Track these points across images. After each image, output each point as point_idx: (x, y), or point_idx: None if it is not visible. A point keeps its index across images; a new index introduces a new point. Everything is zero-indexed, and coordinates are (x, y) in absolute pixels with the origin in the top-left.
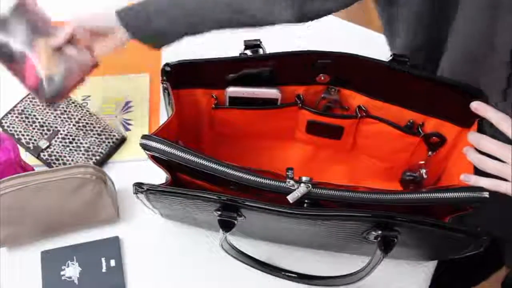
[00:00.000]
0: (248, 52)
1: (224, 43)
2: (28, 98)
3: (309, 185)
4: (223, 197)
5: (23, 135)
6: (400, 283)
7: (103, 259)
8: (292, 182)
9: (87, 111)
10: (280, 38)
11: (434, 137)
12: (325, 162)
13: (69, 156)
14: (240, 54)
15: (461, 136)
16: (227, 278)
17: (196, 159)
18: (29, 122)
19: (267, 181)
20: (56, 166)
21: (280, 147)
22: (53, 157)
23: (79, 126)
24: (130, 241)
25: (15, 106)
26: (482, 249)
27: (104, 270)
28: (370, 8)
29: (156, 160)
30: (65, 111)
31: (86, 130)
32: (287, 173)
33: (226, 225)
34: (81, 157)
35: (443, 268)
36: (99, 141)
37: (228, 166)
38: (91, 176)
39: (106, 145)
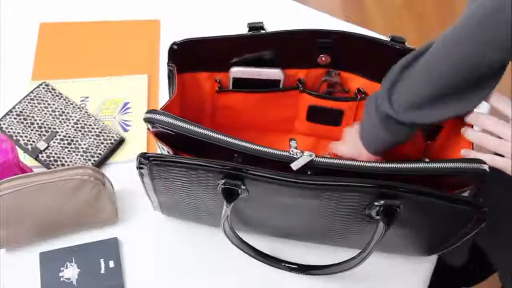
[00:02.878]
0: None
1: (228, 28)
2: (27, 99)
3: (312, 154)
4: (227, 165)
5: (21, 136)
6: (400, 280)
7: (101, 260)
8: (295, 151)
9: (86, 112)
10: None
11: None
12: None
13: (68, 158)
14: None
15: (456, 122)
16: (227, 278)
17: (201, 130)
18: (27, 123)
19: (271, 150)
20: (55, 168)
21: (279, 140)
22: (52, 159)
23: (77, 127)
24: (129, 242)
25: (13, 107)
26: (484, 225)
27: (103, 271)
28: (368, 8)
29: (160, 137)
30: (63, 112)
31: (85, 131)
32: (290, 143)
33: (230, 195)
34: (79, 158)
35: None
36: (97, 142)
37: (232, 137)
38: (90, 177)
39: (105, 146)
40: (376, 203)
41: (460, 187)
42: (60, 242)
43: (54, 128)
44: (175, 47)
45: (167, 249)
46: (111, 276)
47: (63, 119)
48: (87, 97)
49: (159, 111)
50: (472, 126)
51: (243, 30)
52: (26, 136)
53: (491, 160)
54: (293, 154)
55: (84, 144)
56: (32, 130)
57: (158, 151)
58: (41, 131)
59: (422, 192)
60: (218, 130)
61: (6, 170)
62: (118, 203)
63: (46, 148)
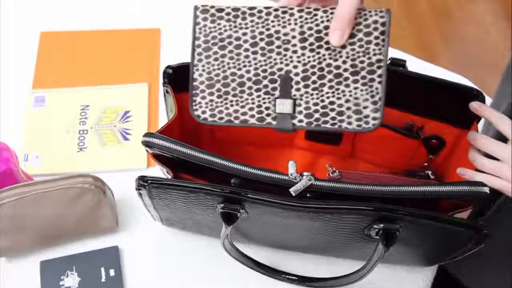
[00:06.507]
0: None
1: None
2: None
3: (311, 177)
4: (226, 189)
5: None
6: None
7: (102, 269)
8: (294, 175)
9: None
10: None
11: (433, 140)
12: (324, 170)
13: None
14: None
15: (460, 138)
16: (228, 287)
17: (198, 154)
18: None
19: (269, 174)
20: None
21: (279, 155)
22: None
23: None
24: (130, 251)
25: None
26: (482, 246)
27: (103, 280)
28: None
29: (158, 159)
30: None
31: None
32: (289, 165)
33: (229, 219)
34: None
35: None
36: None
37: (230, 161)
38: (90, 186)
39: None
40: (375, 226)
41: (460, 208)
42: (60, 251)
43: None
44: (170, 71)
45: (168, 258)
46: (111, 285)
47: None
48: (87, 106)
49: (156, 135)
50: None
51: None
52: None
53: (488, 182)
54: (292, 178)
55: None
56: None
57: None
58: None
59: (423, 215)
60: (217, 145)
61: (7, 179)
62: (118, 211)
63: None
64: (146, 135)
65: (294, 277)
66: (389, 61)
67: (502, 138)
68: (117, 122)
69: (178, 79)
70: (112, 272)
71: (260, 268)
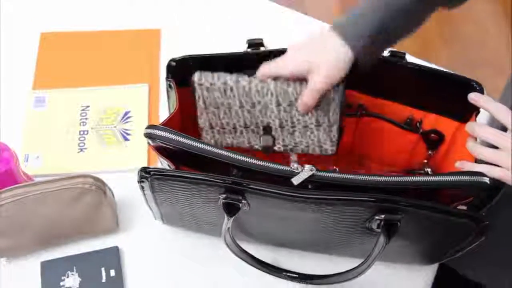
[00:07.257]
0: (251, 51)
1: (227, 45)
2: None
3: (313, 168)
4: (228, 180)
5: None
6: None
7: (103, 269)
8: (296, 165)
9: None
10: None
11: (432, 135)
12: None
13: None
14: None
15: (459, 132)
16: (229, 287)
17: (201, 145)
18: None
19: (271, 165)
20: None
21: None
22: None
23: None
24: (130, 251)
25: None
26: (483, 238)
27: (104, 280)
28: None
29: (160, 152)
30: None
31: None
32: (291, 157)
33: (231, 209)
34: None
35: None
36: None
37: (232, 152)
38: (91, 186)
39: None
40: (377, 217)
41: (461, 199)
42: (61, 251)
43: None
44: (173, 63)
45: (168, 258)
46: (112, 285)
47: None
48: (87, 106)
49: (159, 127)
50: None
51: (243, 38)
52: None
53: (487, 171)
54: (293, 169)
55: None
56: None
57: (159, 162)
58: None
59: (423, 206)
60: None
61: (8, 179)
62: (119, 211)
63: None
64: (148, 127)
65: (295, 275)
66: (389, 54)
67: (503, 129)
68: (118, 123)
69: (180, 72)
70: (112, 273)
71: (261, 266)
